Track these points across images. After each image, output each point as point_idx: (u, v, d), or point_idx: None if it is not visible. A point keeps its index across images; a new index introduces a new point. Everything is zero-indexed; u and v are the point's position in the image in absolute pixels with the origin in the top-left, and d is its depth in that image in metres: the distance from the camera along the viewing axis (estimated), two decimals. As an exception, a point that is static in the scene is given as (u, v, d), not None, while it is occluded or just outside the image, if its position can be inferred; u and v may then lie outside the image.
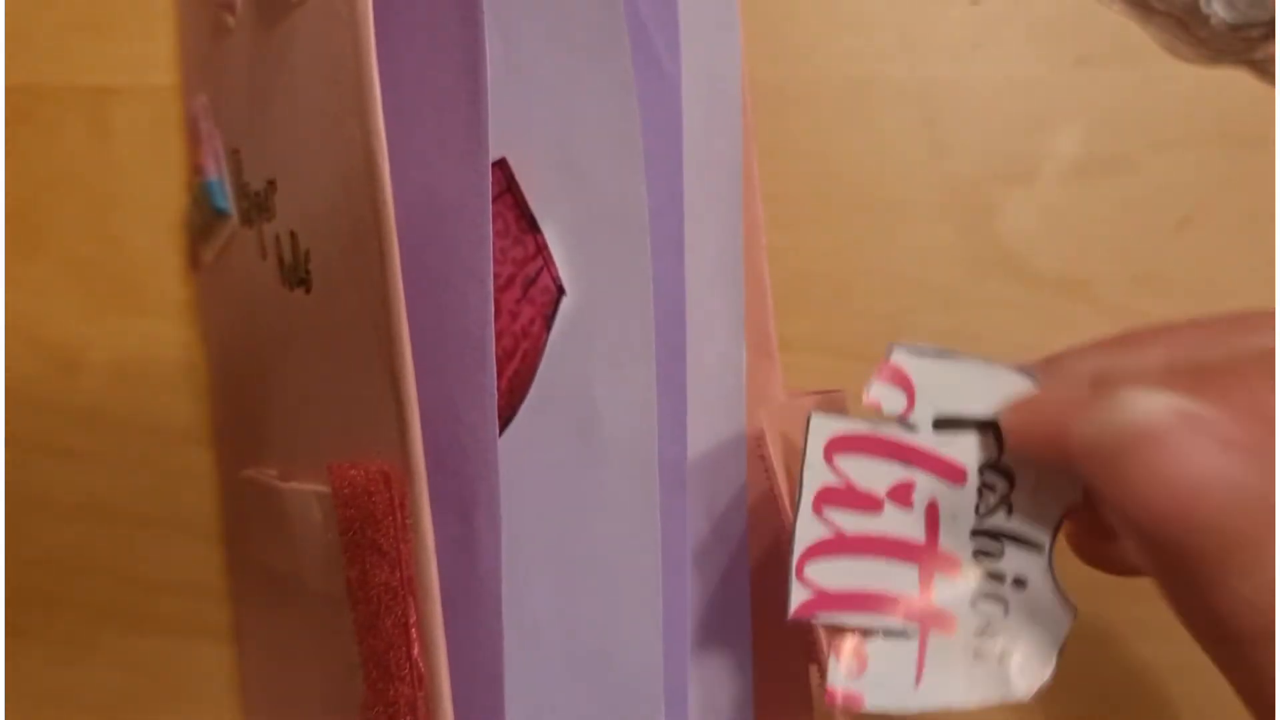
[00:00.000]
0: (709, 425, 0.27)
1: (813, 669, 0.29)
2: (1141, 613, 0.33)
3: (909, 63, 0.36)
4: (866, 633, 0.24)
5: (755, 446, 0.28)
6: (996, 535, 0.24)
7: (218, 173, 0.31)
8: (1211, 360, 0.22)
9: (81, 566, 0.37)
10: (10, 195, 0.37)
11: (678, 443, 0.27)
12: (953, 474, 0.24)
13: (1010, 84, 0.36)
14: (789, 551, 0.24)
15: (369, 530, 0.24)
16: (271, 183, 0.28)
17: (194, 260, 0.35)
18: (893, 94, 0.36)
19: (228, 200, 0.31)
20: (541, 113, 0.25)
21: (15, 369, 0.37)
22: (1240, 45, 0.35)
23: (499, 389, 0.25)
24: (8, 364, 0.37)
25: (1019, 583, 0.24)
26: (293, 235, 0.27)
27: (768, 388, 0.29)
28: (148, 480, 0.37)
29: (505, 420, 0.25)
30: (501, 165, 0.25)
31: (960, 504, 0.24)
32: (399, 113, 0.23)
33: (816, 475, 0.24)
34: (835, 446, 0.24)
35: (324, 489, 0.26)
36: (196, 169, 0.33)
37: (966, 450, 0.24)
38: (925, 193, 0.36)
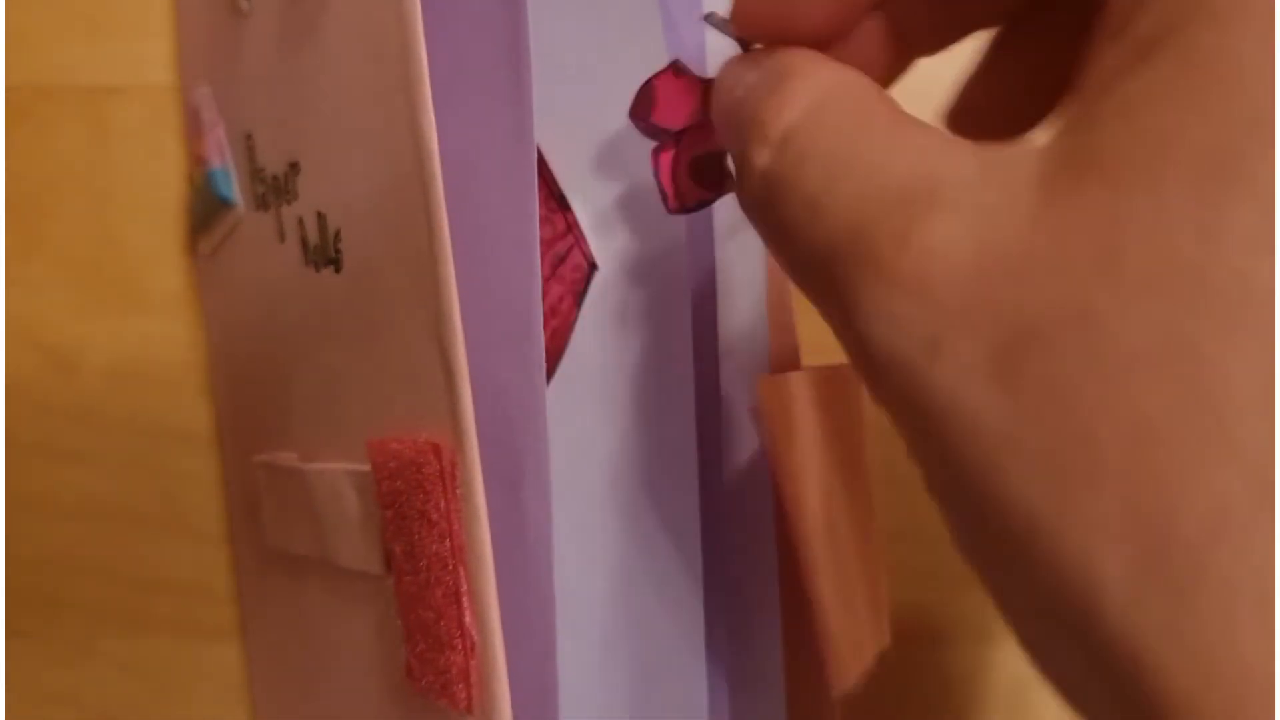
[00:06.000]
0: (732, 398, 0.28)
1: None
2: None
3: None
4: None
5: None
6: None
7: (222, 162, 0.31)
8: None
9: (81, 567, 0.36)
10: (8, 195, 0.37)
11: (710, 415, 0.27)
12: None
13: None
14: None
15: (418, 502, 0.24)
16: (294, 164, 0.27)
17: (195, 251, 0.35)
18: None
19: (233, 189, 0.31)
20: (576, 89, 0.25)
21: (13, 369, 0.37)
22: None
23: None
24: (6, 364, 0.36)
25: None
26: (320, 216, 0.27)
27: (787, 362, 0.29)
28: (147, 480, 0.36)
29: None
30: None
31: None
32: (438, 88, 0.24)
33: None
34: None
35: (357, 466, 0.26)
36: (198, 160, 0.32)
37: None
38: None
